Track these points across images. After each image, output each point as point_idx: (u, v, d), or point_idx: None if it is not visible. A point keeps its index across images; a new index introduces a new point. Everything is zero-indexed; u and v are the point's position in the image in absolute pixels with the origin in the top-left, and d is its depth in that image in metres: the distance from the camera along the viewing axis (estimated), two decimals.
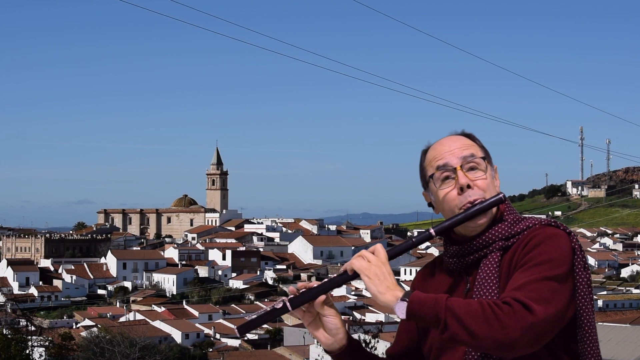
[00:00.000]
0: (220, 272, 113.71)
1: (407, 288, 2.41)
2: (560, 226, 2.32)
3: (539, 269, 2.21)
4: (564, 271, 2.24)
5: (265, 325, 72.22)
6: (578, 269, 2.28)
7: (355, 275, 2.32)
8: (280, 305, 2.33)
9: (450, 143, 2.44)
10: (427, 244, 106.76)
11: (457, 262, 2.42)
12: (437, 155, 2.43)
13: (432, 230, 2.37)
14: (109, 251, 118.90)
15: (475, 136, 2.49)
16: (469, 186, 2.37)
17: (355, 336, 15.58)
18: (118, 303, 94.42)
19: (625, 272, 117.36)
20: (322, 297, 2.36)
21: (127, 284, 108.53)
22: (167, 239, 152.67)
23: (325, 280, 2.37)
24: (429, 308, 2.18)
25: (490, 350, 2.15)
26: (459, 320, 2.14)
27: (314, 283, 2.38)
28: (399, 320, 2.53)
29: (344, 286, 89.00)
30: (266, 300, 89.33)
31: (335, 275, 2.36)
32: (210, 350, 63.60)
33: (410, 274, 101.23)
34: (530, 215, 2.43)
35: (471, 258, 2.39)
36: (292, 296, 2.36)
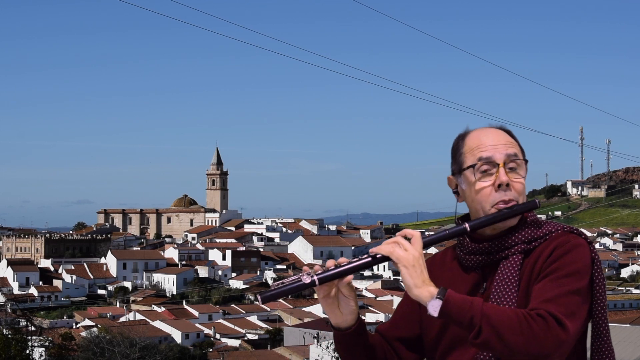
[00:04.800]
0: (220, 272, 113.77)
1: None
2: (582, 235, 2.32)
3: (568, 280, 2.20)
4: (586, 283, 2.24)
5: (265, 326, 72.32)
6: (598, 279, 2.28)
7: (385, 258, 2.26)
8: (309, 280, 2.27)
9: (494, 136, 2.39)
10: None
11: (477, 259, 2.37)
12: (480, 145, 2.37)
13: (467, 225, 2.32)
14: (109, 251, 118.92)
15: (514, 134, 2.45)
16: (507, 185, 2.34)
17: None
18: (118, 303, 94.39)
19: (625, 272, 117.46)
20: (350, 277, 2.31)
21: (127, 284, 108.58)
22: (167, 239, 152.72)
23: (354, 260, 2.31)
24: (465, 311, 2.14)
25: None
26: (494, 328, 2.11)
27: (343, 261, 2.32)
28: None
29: None
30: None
31: (365, 255, 2.30)
32: (210, 350, 63.61)
33: None
34: (549, 220, 2.41)
35: (495, 257, 2.35)
36: (320, 272, 2.29)
